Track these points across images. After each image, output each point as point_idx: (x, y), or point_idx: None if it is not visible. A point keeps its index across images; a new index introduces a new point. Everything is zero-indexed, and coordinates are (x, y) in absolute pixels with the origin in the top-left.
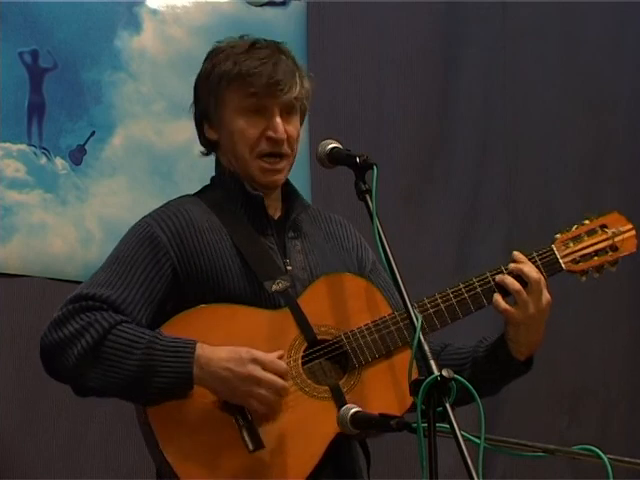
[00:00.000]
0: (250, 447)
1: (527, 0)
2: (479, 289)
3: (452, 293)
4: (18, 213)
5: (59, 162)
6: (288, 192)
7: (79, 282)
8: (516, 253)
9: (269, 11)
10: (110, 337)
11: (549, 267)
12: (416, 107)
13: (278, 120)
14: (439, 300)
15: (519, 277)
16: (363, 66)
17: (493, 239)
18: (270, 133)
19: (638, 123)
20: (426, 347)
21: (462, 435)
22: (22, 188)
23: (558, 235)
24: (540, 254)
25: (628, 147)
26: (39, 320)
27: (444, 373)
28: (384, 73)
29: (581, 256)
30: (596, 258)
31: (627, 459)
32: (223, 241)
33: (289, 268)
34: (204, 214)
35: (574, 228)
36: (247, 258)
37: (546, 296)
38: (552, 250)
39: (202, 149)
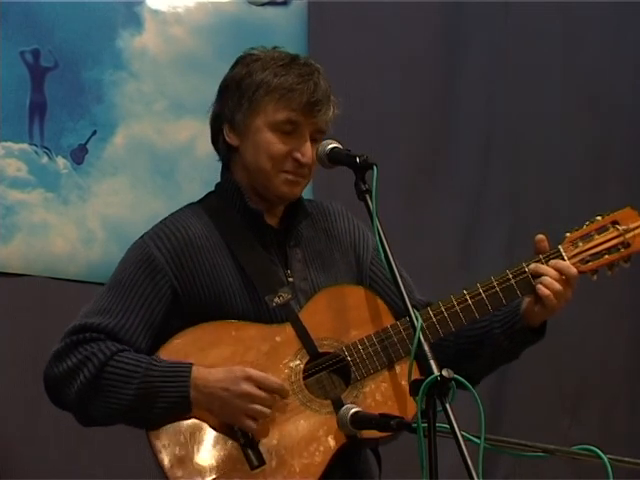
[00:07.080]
0: (252, 464)
1: (529, 0)
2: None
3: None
4: (20, 212)
5: (61, 161)
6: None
7: (81, 281)
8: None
9: (270, 10)
10: (107, 369)
11: None
12: (418, 107)
13: (309, 145)
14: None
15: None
16: (364, 66)
17: (496, 238)
18: (298, 155)
19: None
20: (426, 347)
21: (462, 435)
22: (24, 187)
23: (568, 234)
24: (546, 255)
25: (630, 146)
26: (41, 319)
27: (444, 373)
28: (385, 73)
29: (591, 255)
30: (607, 256)
31: (627, 459)
32: (223, 257)
33: (290, 279)
34: (204, 228)
35: (585, 226)
36: (249, 273)
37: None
38: (559, 251)
39: (213, 153)
